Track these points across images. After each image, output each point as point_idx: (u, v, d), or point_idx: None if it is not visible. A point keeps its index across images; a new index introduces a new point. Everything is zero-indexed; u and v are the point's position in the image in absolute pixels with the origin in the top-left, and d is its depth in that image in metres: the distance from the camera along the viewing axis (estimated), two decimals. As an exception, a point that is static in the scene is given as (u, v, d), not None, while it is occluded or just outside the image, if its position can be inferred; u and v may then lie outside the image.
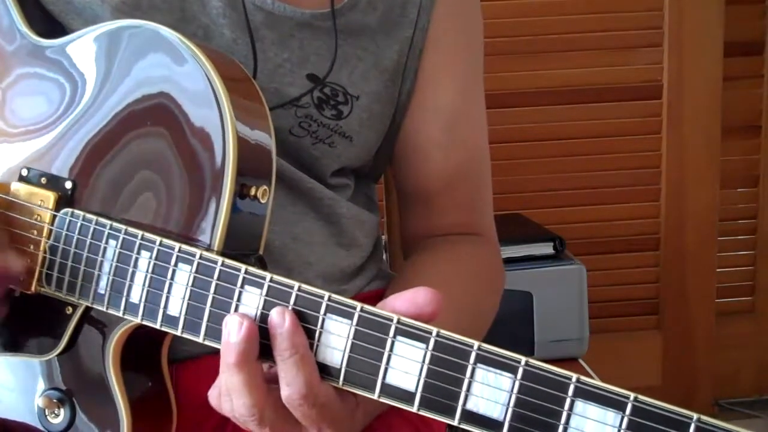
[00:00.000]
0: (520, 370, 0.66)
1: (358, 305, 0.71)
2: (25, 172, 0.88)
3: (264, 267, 0.79)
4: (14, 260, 0.85)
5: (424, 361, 0.69)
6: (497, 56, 2.36)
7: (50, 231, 0.85)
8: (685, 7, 2.41)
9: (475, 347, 0.68)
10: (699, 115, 2.46)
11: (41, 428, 0.86)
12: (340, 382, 0.72)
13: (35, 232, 0.86)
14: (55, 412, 0.86)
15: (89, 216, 0.83)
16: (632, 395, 0.64)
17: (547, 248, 2.09)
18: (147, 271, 0.79)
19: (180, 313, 0.78)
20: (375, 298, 0.77)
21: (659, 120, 2.46)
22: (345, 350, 0.71)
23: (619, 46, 2.44)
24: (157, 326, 0.79)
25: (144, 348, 0.86)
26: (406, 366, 0.69)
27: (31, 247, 0.86)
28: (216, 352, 0.78)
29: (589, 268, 2.08)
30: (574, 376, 0.65)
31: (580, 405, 0.65)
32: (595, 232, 2.47)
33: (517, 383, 0.66)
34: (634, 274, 2.51)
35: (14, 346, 0.88)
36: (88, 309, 0.84)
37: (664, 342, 2.53)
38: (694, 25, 2.42)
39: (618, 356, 2.43)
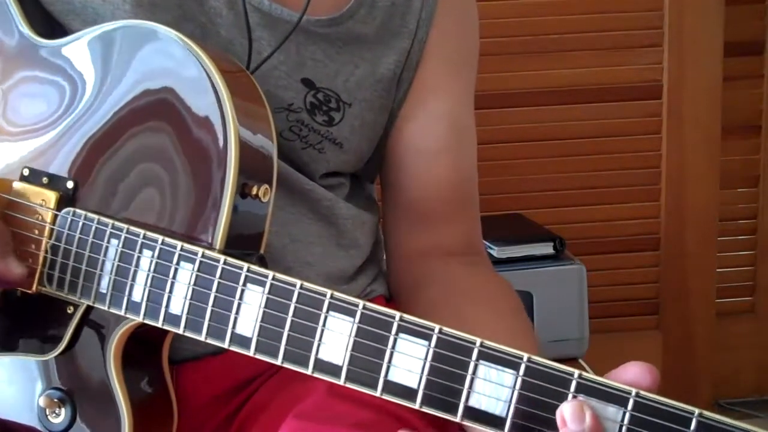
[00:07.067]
0: (522, 367, 0.67)
1: (361, 302, 0.71)
2: (26, 172, 0.88)
3: (265, 266, 0.79)
4: (15, 265, 0.84)
5: (426, 358, 0.69)
6: (497, 56, 2.34)
7: (52, 230, 0.85)
8: (685, 7, 2.40)
9: (478, 344, 0.68)
10: (699, 115, 2.45)
11: (42, 428, 0.86)
12: (342, 380, 0.72)
13: (37, 231, 0.86)
14: (56, 411, 0.86)
15: (91, 215, 0.83)
16: (634, 390, 0.65)
17: (547, 248, 2.09)
18: (149, 270, 0.80)
19: (182, 312, 0.78)
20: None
21: (659, 120, 2.46)
22: (347, 348, 0.71)
23: (619, 46, 2.43)
24: (159, 325, 0.79)
25: (145, 347, 0.86)
26: (408, 363, 0.69)
27: (33, 246, 0.86)
28: (218, 353, 0.78)
29: (589, 268, 2.08)
30: (576, 372, 0.66)
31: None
32: (595, 232, 2.46)
33: (519, 380, 0.67)
34: (634, 274, 2.49)
35: (15, 345, 0.88)
36: (89, 308, 0.84)
37: (664, 342, 2.52)
38: (694, 25, 2.41)
39: (618, 356, 2.40)
